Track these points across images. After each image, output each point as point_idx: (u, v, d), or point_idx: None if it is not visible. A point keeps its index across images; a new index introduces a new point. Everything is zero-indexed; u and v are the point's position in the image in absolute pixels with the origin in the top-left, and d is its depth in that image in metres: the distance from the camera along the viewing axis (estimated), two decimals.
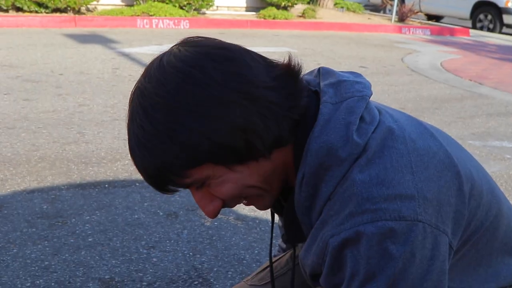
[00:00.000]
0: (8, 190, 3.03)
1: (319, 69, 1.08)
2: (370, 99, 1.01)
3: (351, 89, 0.98)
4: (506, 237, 1.08)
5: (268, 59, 0.99)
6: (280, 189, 1.03)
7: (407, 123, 1.01)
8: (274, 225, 1.30)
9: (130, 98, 0.96)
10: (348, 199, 0.90)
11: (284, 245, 1.60)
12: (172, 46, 0.97)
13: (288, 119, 0.93)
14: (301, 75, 1.00)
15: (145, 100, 0.91)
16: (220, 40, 0.98)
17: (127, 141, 0.96)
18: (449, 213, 0.93)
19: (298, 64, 0.99)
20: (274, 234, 1.47)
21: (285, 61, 0.98)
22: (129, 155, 0.96)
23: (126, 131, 0.97)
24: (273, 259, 1.50)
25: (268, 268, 1.49)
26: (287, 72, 0.96)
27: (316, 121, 0.95)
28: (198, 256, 2.50)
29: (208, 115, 0.88)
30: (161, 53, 0.97)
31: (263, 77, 0.93)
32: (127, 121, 0.96)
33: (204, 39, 0.97)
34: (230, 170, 0.93)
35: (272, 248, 1.37)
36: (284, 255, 1.50)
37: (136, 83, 0.96)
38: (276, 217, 2.45)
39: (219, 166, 0.92)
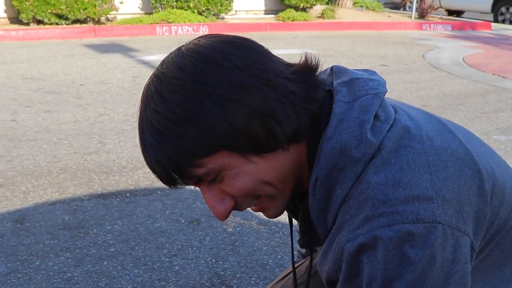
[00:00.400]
0: (30, 203, 3.04)
1: (332, 67, 1.05)
2: (388, 96, 0.98)
3: (364, 86, 0.95)
4: None
5: (285, 60, 0.98)
6: (293, 191, 1.00)
7: (424, 120, 0.97)
8: (293, 228, 1.27)
9: (144, 89, 0.93)
10: (364, 202, 0.86)
11: (303, 251, 1.57)
12: (192, 40, 0.96)
13: (307, 111, 0.91)
14: (318, 71, 0.98)
15: (161, 85, 0.88)
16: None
17: (138, 135, 0.92)
18: (470, 213, 0.89)
19: (315, 61, 0.97)
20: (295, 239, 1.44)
21: (302, 60, 0.97)
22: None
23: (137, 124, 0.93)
24: (296, 265, 1.47)
25: (289, 275, 1.46)
26: (305, 68, 0.95)
27: (329, 120, 0.92)
28: (221, 262, 2.48)
29: (227, 98, 0.86)
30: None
31: (282, 69, 0.92)
32: (138, 114, 0.92)
33: (223, 34, 0.96)
34: (246, 160, 0.90)
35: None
36: (304, 261, 1.47)
37: (152, 74, 0.93)
38: (295, 221, 2.42)
39: (235, 155, 0.89)
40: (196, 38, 0.95)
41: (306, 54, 0.98)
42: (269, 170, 0.92)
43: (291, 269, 1.43)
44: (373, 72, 1.03)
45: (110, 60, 7.17)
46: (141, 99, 0.92)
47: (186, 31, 10.07)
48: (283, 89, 0.89)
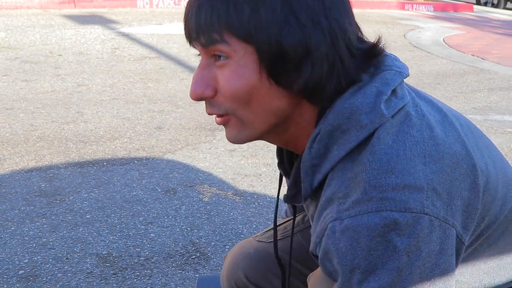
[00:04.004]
0: (6, 170, 3.02)
1: None
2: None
3: (390, 63, 0.95)
4: None
5: (360, 31, 0.96)
6: (263, 134, 0.98)
7: (427, 109, 0.97)
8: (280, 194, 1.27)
9: None
10: (357, 185, 0.86)
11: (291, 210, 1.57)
12: None
13: (338, 80, 0.90)
14: (381, 58, 0.96)
15: None
16: None
17: None
18: (460, 206, 0.89)
19: (381, 49, 0.95)
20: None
21: (374, 41, 0.95)
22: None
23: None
24: (283, 220, 1.49)
25: (278, 226, 1.46)
26: (371, 52, 0.94)
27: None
28: (196, 231, 2.50)
29: (296, 15, 0.86)
30: None
31: (354, 40, 0.91)
32: None
33: None
34: (258, 72, 0.89)
35: (278, 214, 1.34)
36: (287, 220, 1.48)
37: None
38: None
39: (255, 59, 0.88)
40: None
41: (380, 38, 0.96)
42: (264, 96, 0.91)
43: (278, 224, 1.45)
44: (397, 58, 1.03)
45: (90, 32, 7.09)
46: None
47: (167, 4, 9.98)
48: (338, 51, 0.88)
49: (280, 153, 1.13)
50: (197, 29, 0.90)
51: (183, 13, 0.95)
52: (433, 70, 6.29)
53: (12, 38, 6.42)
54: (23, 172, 3.01)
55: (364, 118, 0.88)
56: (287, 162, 1.12)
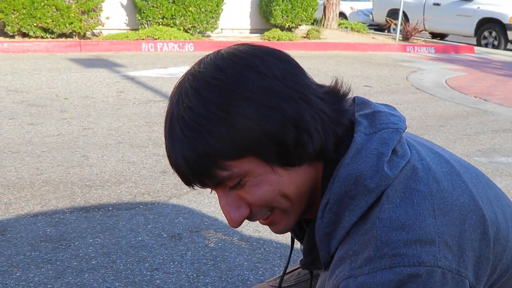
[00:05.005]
0: (12, 214, 3.02)
1: (354, 98, 1.06)
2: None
3: (385, 120, 0.97)
4: None
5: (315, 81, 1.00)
6: (303, 212, 1.01)
7: (433, 161, 0.98)
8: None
9: (175, 86, 0.93)
10: (368, 242, 0.87)
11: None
12: (231, 46, 0.97)
13: (334, 132, 0.93)
14: (347, 97, 1.00)
15: (198, 83, 0.89)
16: None
17: (164, 129, 0.92)
18: (472, 257, 0.90)
19: (346, 87, 1.00)
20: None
21: (333, 84, 1.00)
22: (166, 151, 0.92)
23: (165, 123, 0.92)
24: (296, 266, 1.49)
25: (291, 272, 1.47)
26: (335, 92, 0.98)
27: (348, 149, 0.93)
28: (202, 277, 2.48)
29: (264, 104, 0.87)
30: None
31: (316, 87, 0.95)
32: (167, 109, 0.92)
33: (263, 45, 0.98)
34: (271, 170, 0.90)
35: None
36: (296, 269, 1.49)
37: (186, 72, 0.94)
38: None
39: (261, 163, 0.89)
40: (235, 45, 0.96)
41: (337, 79, 1.00)
42: (290, 183, 0.93)
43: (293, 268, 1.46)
44: (394, 108, 1.05)
45: (95, 75, 7.17)
46: (172, 96, 0.92)
47: (171, 48, 10.10)
48: (316, 107, 0.91)
49: None
50: (195, 175, 0.91)
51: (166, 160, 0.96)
52: (436, 112, 6.33)
53: (18, 81, 6.49)
54: (28, 216, 3.01)
55: (370, 182, 0.90)
56: (296, 224, 1.13)
